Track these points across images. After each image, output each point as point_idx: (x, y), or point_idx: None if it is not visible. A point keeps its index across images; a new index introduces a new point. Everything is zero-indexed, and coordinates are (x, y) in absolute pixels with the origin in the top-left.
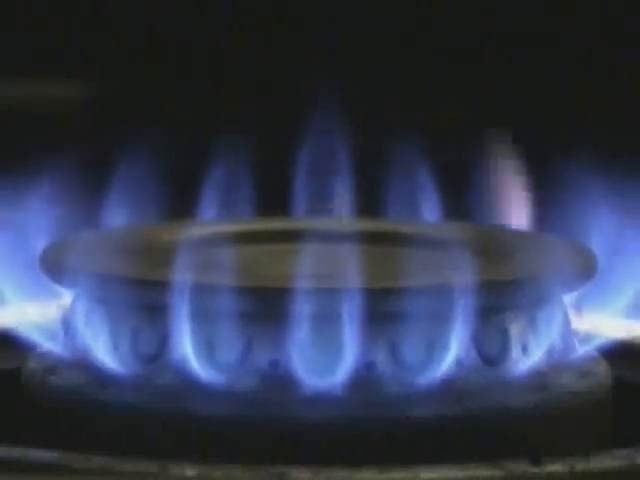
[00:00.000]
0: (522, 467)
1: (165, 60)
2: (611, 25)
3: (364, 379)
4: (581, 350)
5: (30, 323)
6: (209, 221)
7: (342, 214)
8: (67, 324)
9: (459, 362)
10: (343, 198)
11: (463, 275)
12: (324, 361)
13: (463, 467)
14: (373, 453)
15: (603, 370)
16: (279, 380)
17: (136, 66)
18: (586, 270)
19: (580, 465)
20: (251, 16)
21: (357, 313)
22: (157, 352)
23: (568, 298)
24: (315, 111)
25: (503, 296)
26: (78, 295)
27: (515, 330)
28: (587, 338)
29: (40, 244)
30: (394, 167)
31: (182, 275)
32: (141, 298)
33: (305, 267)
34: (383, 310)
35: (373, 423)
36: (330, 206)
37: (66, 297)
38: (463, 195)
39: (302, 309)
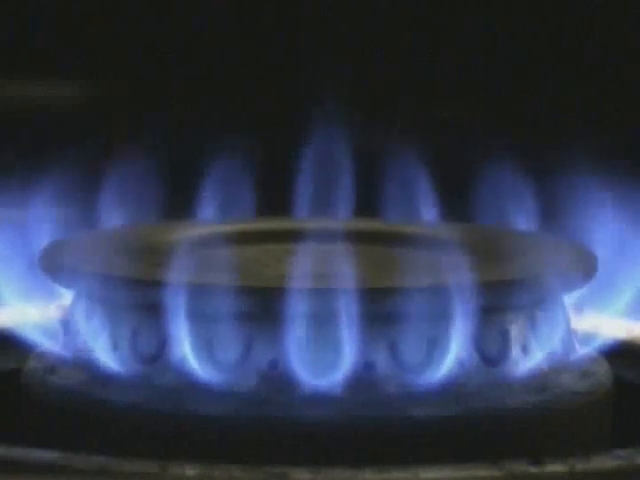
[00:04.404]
0: (522, 467)
1: (165, 60)
2: (611, 25)
3: (364, 379)
4: (581, 350)
5: (30, 323)
6: (209, 221)
7: (342, 214)
8: (67, 324)
9: (459, 362)
10: (343, 198)
11: (463, 275)
12: (324, 361)
13: (463, 467)
14: (373, 453)
15: (603, 370)
16: (279, 380)
17: (136, 66)
18: (586, 270)
19: (580, 465)
20: (251, 16)
21: (357, 313)
22: (157, 352)
23: (568, 298)
24: (315, 111)
25: (503, 296)
26: (78, 295)
27: (515, 330)
28: (587, 338)
29: (40, 244)
30: (394, 167)
31: (182, 275)
32: (141, 298)
33: (305, 267)
34: (383, 310)
35: (373, 423)
36: (330, 206)
37: (66, 297)
38: (463, 195)
39: (302, 309)
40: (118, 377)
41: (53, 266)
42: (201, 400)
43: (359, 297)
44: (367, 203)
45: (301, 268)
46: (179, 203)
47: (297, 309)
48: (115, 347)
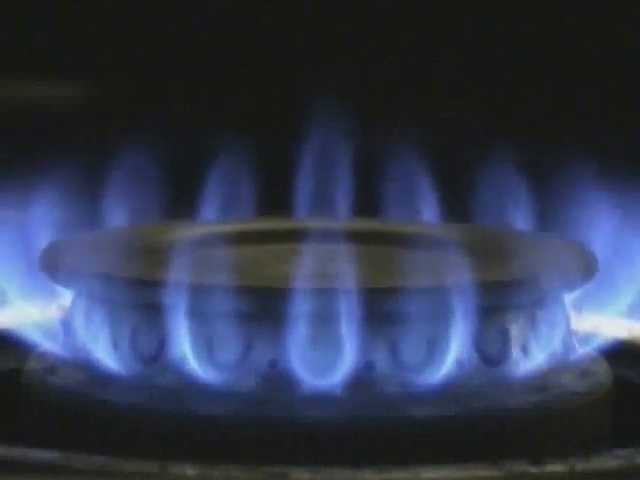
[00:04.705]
0: (522, 467)
1: (165, 60)
2: (611, 25)
3: (364, 379)
4: (581, 350)
5: (30, 323)
6: (209, 221)
7: (342, 214)
8: (67, 324)
9: (459, 362)
10: (343, 198)
11: (463, 275)
12: (324, 361)
13: (463, 467)
14: (373, 453)
15: (603, 370)
16: (279, 380)
17: (136, 66)
18: (586, 270)
19: (580, 465)
20: (251, 16)
21: (357, 313)
22: (157, 352)
23: (568, 298)
24: (315, 111)
25: (503, 296)
26: (78, 295)
27: (515, 330)
28: (587, 338)
29: (41, 244)
30: (394, 167)
31: (182, 275)
32: (141, 298)
33: (305, 267)
34: (383, 310)
35: (373, 423)
36: (330, 206)
37: (66, 297)
38: (463, 195)
39: (302, 309)
40: (118, 377)
41: (53, 266)
42: (201, 400)
43: (359, 297)
44: (367, 203)
45: (301, 268)
46: (179, 203)
47: (297, 309)
48: (115, 347)
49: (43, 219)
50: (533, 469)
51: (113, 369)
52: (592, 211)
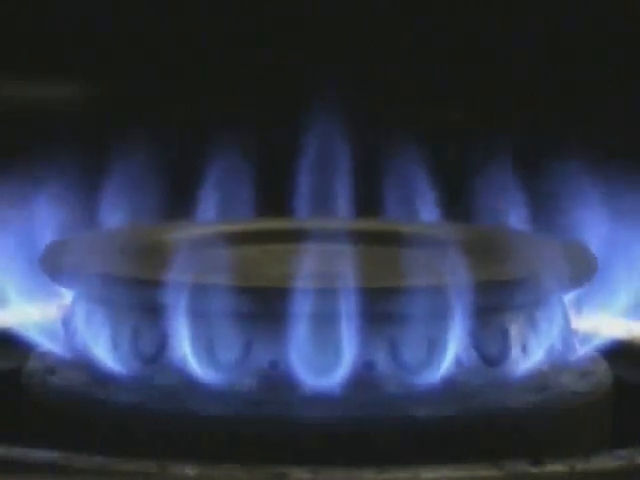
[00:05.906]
0: (522, 467)
1: (164, 60)
2: (611, 25)
3: (364, 379)
4: (581, 350)
5: (30, 323)
6: (209, 221)
7: (342, 214)
8: (67, 324)
9: (459, 362)
10: (343, 198)
11: (462, 275)
12: (324, 361)
13: (463, 467)
14: (373, 453)
15: (603, 370)
16: (279, 380)
17: (136, 66)
18: (586, 270)
19: (580, 465)
20: (251, 16)
21: (357, 313)
22: (157, 352)
23: (568, 298)
24: (315, 110)
25: (503, 296)
26: (78, 295)
27: (515, 330)
28: (587, 338)
29: (41, 244)
30: (394, 167)
31: (182, 275)
32: (141, 298)
33: (305, 267)
34: (383, 310)
35: (373, 423)
36: (330, 206)
37: (66, 297)
38: (462, 195)
39: (302, 309)
40: (118, 377)
41: (53, 266)
42: (201, 400)
43: (359, 297)
44: (367, 203)
45: (301, 268)
46: (179, 203)
47: (297, 309)
48: (115, 347)
49: (43, 219)
50: (533, 469)
51: (113, 369)
52: (591, 211)
